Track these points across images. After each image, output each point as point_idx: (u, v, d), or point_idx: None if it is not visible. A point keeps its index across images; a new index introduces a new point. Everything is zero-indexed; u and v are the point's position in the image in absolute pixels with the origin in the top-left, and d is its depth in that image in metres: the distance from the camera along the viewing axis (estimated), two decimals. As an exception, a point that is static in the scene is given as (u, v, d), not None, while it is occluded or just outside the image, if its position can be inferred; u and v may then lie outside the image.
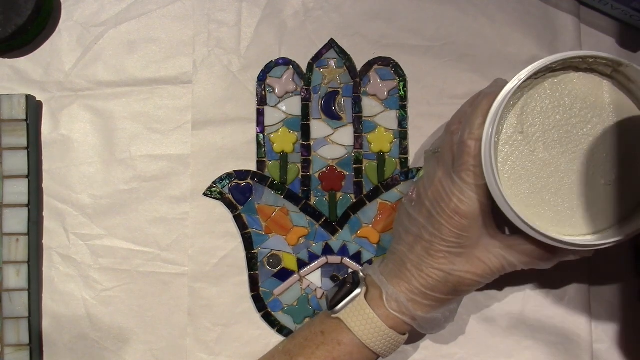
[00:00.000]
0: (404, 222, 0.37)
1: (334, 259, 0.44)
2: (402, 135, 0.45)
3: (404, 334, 0.38)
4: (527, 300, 0.44)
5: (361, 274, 0.39)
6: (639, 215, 0.35)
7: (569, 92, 0.36)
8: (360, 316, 0.36)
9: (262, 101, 0.45)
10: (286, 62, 0.45)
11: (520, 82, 0.34)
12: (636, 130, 0.36)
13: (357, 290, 0.37)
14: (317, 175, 0.45)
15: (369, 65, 0.45)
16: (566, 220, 0.35)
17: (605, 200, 0.35)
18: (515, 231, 0.35)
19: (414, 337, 0.44)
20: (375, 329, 0.36)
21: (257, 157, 0.45)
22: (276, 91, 0.45)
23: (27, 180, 0.43)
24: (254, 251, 0.44)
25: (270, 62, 0.45)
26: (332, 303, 0.38)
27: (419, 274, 0.36)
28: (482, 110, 0.34)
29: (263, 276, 0.44)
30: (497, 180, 0.33)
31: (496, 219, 0.36)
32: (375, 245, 0.44)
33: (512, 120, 0.36)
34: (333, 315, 0.37)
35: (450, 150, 0.36)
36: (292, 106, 0.45)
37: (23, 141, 0.43)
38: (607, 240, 0.34)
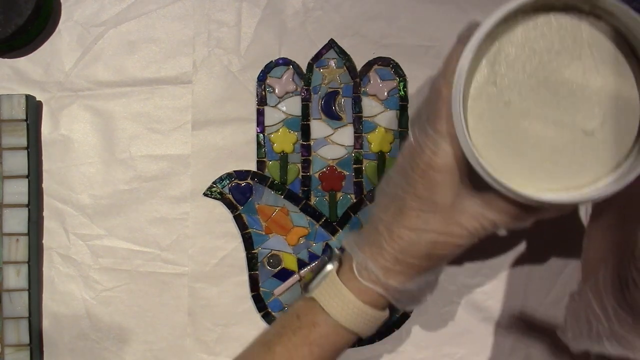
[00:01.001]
0: (381, 185, 0.35)
1: (334, 259, 0.44)
2: (402, 135, 0.45)
3: (384, 309, 0.34)
4: (527, 300, 0.44)
5: (336, 250, 0.36)
6: (620, 170, 0.31)
7: (544, 35, 0.32)
8: (332, 293, 0.33)
9: (262, 101, 0.45)
10: (286, 62, 0.45)
11: (490, 28, 0.30)
12: (618, 74, 0.32)
13: (329, 266, 0.34)
14: (317, 175, 0.45)
15: (369, 65, 0.45)
16: (545, 174, 0.32)
17: (587, 153, 0.32)
18: (491, 189, 0.32)
19: (414, 337, 0.44)
20: (349, 306, 0.33)
21: (257, 157, 0.45)
22: (276, 91, 0.45)
23: (27, 180, 0.43)
24: (254, 251, 0.44)
25: (270, 62, 0.45)
26: (306, 283, 0.35)
27: (390, 235, 0.32)
28: (457, 55, 0.31)
29: (263, 276, 0.44)
30: (466, 132, 0.30)
31: (474, 176, 0.32)
32: (375, 245, 0.44)
33: (484, 72, 0.32)
34: (307, 296, 0.35)
35: (428, 104, 0.32)
36: (292, 106, 0.45)
37: (23, 141, 0.43)
38: (586, 197, 0.31)
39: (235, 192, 0.44)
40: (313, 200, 0.45)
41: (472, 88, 0.32)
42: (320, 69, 0.45)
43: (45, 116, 0.45)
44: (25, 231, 0.43)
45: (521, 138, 0.32)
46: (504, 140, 0.32)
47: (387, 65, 0.45)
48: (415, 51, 0.45)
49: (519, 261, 0.44)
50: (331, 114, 0.45)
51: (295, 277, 0.44)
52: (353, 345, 0.44)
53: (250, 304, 0.44)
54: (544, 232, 0.44)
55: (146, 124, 0.45)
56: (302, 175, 0.45)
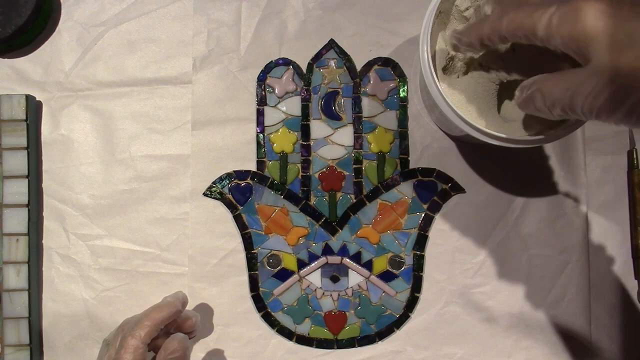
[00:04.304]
0: None
1: (334, 259, 0.44)
2: (402, 135, 0.45)
3: None
4: (527, 300, 0.44)
5: None
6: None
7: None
8: None
9: (262, 101, 0.45)
10: (286, 62, 0.45)
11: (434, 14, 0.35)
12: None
13: None
14: (317, 175, 0.45)
15: (368, 65, 0.45)
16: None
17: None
18: None
19: (414, 337, 0.44)
20: None
21: (257, 157, 0.45)
22: (276, 91, 0.45)
23: (27, 180, 0.43)
24: (254, 251, 0.44)
25: (270, 62, 0.45)
26: None
27: None
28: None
29: (263, 276, 0.44)
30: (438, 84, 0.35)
31: None
32: (375, 246, 0.44)
33: (442, 46, 0.37)
34: None
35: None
36: (292, 106, 0.45)
37: (23, 141, 0.43)
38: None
39: (235, 192, 0.44)
40: (313, 200, 0.45)
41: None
42: (320, 69, 0.45)
43: (45, 116, 0.45)
44: (25, 231, 0.43)
45: (484, 103, 0.37)
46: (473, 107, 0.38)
47: (387, 65, 0.45)
48: (415, 51, 0.45)
49: (519, 261, 0.44)
50: (331, 114, 0.45)
51: (295, 277, 0.44)
52: (353, 345, 0.44)
53: (249, 304, 0.44)
54: (544, 231, 0.44)
55: (146, 124, 0.45)
56: (302, 175, 0.45)
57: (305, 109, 0.45)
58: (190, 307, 0.44)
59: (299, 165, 0.45)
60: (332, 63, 0.45)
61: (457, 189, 0.44)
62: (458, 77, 0.37)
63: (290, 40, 0.45)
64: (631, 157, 0.44)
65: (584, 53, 0.28)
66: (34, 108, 0.44)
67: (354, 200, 0.44)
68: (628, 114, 0.28)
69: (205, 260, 0.44)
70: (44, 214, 0.45)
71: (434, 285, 0.44)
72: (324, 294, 0.44)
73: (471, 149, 0.44)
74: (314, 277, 0.44)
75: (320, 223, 0.44)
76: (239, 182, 0.44)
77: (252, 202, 0.44)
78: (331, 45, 0.45)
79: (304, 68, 0.45)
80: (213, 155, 0.45)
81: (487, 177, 0.44)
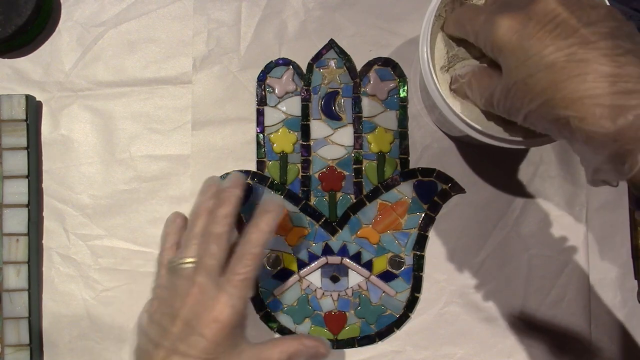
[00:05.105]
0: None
1: (334, 259, 0.44)
2: (402, 135, 0.45)
3: None
4: (527, 300, 0.44)
5: None
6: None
7: None
8: None
9: (262, 101, 0.45)
10: (286, 62, 0.45)
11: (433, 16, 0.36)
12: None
13: None
14: (317, 175, 0.45)
15: (368, 65, 0.45)
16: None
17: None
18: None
19: (414, 337, 0.44)
20: None
21: (257, 157, 0.45)
22: (276, 91, 0.45)
23: (27, 180, 0.43)
24: (254, 251, 0.44)
25: (270, 62, 0.45)
26: None
27: None
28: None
29: (263, 276, 0.44)
30: (439, 88, 0.35)
31: None
32: (375, 246, 0.44)
33: (441, 46, 0.37)
34: None
35: None
36: (292, 106, 0.45)
37: (23, 141, 0.43)
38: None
39: (235, 192, 0.44)
40: (313, 201, 0.45)
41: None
42: (320, 69, 0.45)
43: (45, 116, 0.45)
44: (25, 231, 0.43)
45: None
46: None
47: (387, 65, 0.45)
48: (416, 51, 0.45)
49: (519, 261, 0.44)
50: (331, 114, 0.45)
51: (295, 277, 0.44)
52: (353, 345, 0.44)
53: (249, 304, 0.44)
54: (544, 231, 0.44)
55: (146, 124, 0.45)
56: (301, 176, 0.45)
57: (305, 109, 0.45)
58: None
59: (299, 165, 0.45)
60: (332, 63, 0.45)
61: (457, 189, 0.44)
62: None
63: (290, 40, 0.45)
64: (631, 157, 0.44)
65: (497, 60, 0.32)
66: (34, 108, 0.44)
67: (354, 200, 0.44)
68: (523, 121, 0.31)
69: (205, 260, 0.44)
70: (44, 214, 0.45)
71: (434, 285, 0.44)
72: (324, 294, 0.44)
73: (471, 149, 0.44)
74: (314, 277, 0.44)
75: (320, 223, 0.44)
76: (239, 182, 0.44)
77: (252, 202, 0.44)
78: (331, 45, 0.45)
79: (304, 68, 0.45)
80: (213, 155, 0.45)
81: (487, 177, 0.44)
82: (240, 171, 0.45)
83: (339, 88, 0.45)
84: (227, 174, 0.45)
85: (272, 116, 0.45)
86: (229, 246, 0.36)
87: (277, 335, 0.44)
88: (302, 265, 0.44)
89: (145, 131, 0.45)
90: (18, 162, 0.43)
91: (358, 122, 0.45)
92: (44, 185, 0.45)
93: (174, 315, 0.34)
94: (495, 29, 0.31)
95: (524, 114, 0.31)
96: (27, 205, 0.43)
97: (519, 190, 0.44)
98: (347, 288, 0.44)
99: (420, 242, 0.44)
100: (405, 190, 0.44)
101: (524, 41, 0.29)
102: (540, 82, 0.29)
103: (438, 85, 0.35)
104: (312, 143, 0.45)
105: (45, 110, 0.45)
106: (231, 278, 0.35)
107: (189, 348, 0.34)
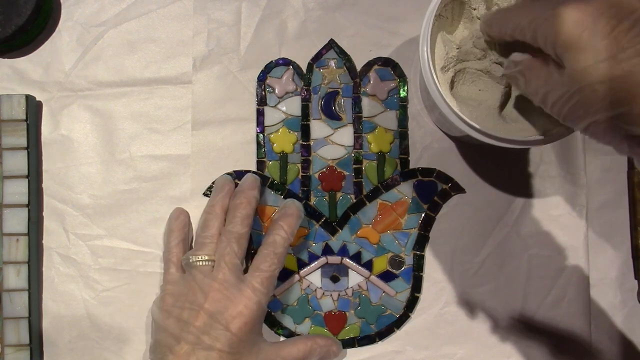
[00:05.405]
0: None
1: (334, 259, 0.44)
2: (402, 135, 0.45)
3: None
4: (527, 301, 0.44)
5: None
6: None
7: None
8: None
9: (262, 101, 0.45)
10: (286, 62, 0.45)
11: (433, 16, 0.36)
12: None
13: None
14: (317, 175, 0.45)
15: (369, 65, 0.45)
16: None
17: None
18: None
19: (414, 337, 0.44)
20: None
21: (257, 157, 0.45)
22: (276, 91, 0.45)
23: (27, 180, 0.43)
24: (254, 251, 0.44)
25: (270, 62, 0.45)
26: None
27: None
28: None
29: (263, 276, 0.44)
30: (439, 87, 0.35)
31: None
32: (375, 246, 0.44)
33: (441, 46, 0.37)
34: None
35: None
36: (292, 106, 0.45)
37: (23, 141, 0.43)
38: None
39: (235, 192, 0.44)
40: (313, 201, 0.45)
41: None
42: (320, 69, 0.45)
43: (45, 116, 0.45)
44: (25, 231, 0.43)
45: (483, 106, 0.37)
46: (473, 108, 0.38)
47: (387, 65, 0.45)
48: (416, 51, 0.45)
49: (519, 261, 0.44)
50: (331, 114, 0.45)
51: (295, 277, 0.44)
52: (353, 345, 0.44)
53: (250, 304, 0.44)
54: (544, 231, 0.44)
55: (146, 124, 0.45)
56: (301, 176, 0.45)
57: (305, 109, 0.45)
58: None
59: (299, 165, 0.45)
60: (332, 63, 0.45)
61: (457, 189, 0.44)
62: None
63: (290, 40, 0.45)
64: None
65: (560, 59, 0.28)
66: (34, 108, 0.44)
67: (354, 200, 0.44)
68: (584, 130, 0.28)
69: (205, 260, 0.44)
70: (44, 214, 0.45)
71: (434, 285, 0.44)
72: (324, 294, 0.44)
73: (471, 149, 0.44)
74: (314, 277, 0.44)
75: (320, 223, 0.44)
76: (239, 182, 0.44)
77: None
78: (331, 45, 0.45)
79: (304, 68, 0.45)
80: (213, 155, 0.45)
81: (487, 178, 0.44)
82: (241, 171, 0.45)
83: (339, 88, 0.45)
84: (228, 174, 0.45)
85: (272, 116, 0.45)
86: (247, 246, 0.39)
87: (277, 336, 0.44)
88: (302, 265, 0.44)
89: (145, 131, 0.45)
90: (18, 162, 0.43)
91: (358, 122, 0.45)
92: (44, 185, 0.45)
93: (196, 310, 0.35)
94: (559, 23, 0.26)
95: (587, 123, 0.27)
96: (27, 205, 0.43)
97: (519, 190, 0.44)
98: (347, 288, 0.44)
99: (420, 242, 0.44)
100: (405, 190, 0.44)
101: (595, 40, 0.25)
102: (614, 91, 0.25)
103: (438, 85, 0.35)
104: (312, 143, 0.45)
105: (45, 110, 0.45)
106: (256, 275, 0.36)
107: (214, 341, 0.34)
